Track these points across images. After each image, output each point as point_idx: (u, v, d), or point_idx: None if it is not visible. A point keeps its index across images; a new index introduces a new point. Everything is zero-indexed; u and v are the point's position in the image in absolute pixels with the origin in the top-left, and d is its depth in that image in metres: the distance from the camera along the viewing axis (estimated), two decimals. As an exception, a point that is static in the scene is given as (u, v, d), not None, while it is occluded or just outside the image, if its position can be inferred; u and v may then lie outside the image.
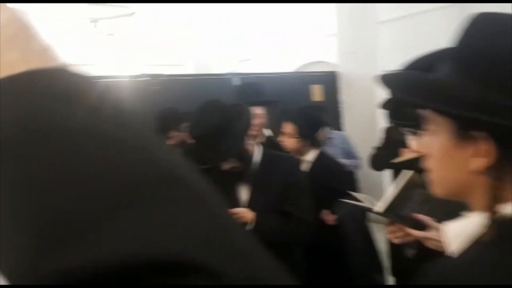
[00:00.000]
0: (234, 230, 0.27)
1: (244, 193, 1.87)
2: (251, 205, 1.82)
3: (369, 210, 1.50)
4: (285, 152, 2.36)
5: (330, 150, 3.41)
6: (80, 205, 0.24)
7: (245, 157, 1.81)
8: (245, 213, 1.76)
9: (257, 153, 1.89)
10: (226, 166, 1.78)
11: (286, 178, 1.83)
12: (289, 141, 2.45)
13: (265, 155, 1.89)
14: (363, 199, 1.75)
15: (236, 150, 1.73)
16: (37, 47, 0.30)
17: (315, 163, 2.43)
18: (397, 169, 3.13)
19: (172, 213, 0.25)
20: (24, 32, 0.30)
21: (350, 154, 3.51)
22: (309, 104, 4.24)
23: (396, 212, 1.34)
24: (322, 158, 2.47)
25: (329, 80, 5.07)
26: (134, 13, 6.75)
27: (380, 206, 1.38)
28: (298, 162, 1.97)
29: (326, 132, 3.51)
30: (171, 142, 2.90)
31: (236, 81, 4.08)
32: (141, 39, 8.13)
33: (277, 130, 3.50)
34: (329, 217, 2.22)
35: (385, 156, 3.05)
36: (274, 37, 7.59)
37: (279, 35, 7.48)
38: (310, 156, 2.46)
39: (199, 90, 3.71)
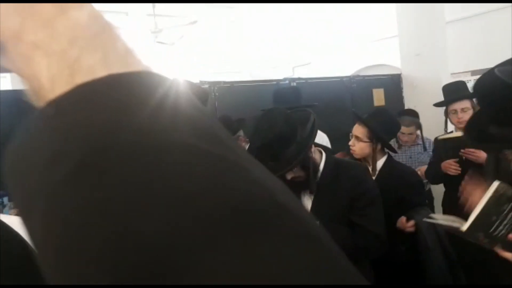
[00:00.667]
0: (349, 270, 0.22)
1: (308, 203, 1.80)
2: (315, 215, 1.74)
3: (455, 230, 1.36)
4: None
5: (422, 156, 3.35)
6: (180, 235, 0.19)
7: (310, 165, 1.74)
8: None
9: (322, 161, 1.81)
10: (290, 175, 1.72)
11: (354, 187, 1.74)
12: (358, 145, 2.29)
13: (331, 163, 1.81)
14: (446, 219, 1.62)
15: (301, 158, 1.66)
16: (120, 49, 0.25)
17: (384, 170, 2.27)
18: (450, 182, 2.93)
19: (288, 252, 0.20)
20: (106, 32, 0.25)
21: None
22: (383, 108, 4.12)
23: (485, 230, 1.20)
24: (391, 165, 2.30)
25: (391, 84, 4.87)
26: (196, 21, 6.90)
27: (466, 225, 1.25)
28: (367, 170, 1.86)
29: (416, 137, 3.50)
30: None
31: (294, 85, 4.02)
32: (200, 47, 8.30)
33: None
34: (407, 224, 2.05)
35: (439, 168, 2.88)
36: (333, 40, 7.46)
37: (339, 38, 7.33)
38: (379, 162, 2.30)
39: (257, 96, 3.69)
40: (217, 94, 3.56)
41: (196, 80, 3.46)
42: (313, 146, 1.79)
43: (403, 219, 2.04)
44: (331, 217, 1.71)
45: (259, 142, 1.69)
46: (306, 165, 1.72)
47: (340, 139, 3.54)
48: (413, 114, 3.76)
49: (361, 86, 4.67)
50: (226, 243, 0.19)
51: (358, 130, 2.31)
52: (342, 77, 4.71)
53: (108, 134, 0.21)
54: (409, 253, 2.07)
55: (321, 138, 3.84)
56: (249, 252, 0.19)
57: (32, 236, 0.22)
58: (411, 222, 2.02)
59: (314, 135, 1.72)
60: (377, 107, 4.46)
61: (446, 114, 3.10)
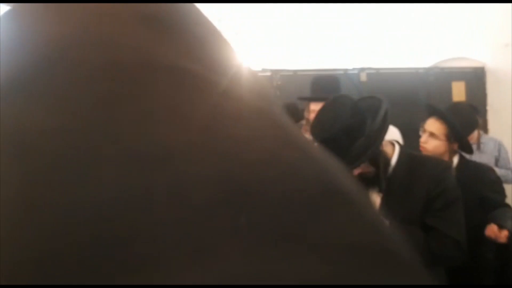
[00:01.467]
0: None
1: (376, 200, 1.57)
2: (383, 213, 1.50)
3: None
4: None
5: (480, 157, 2.96)
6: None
7: (380, 160, 1.50)
8: None
9: (395, 155, 1.57)
10: (357, 171, 1.50)
11: (432, 186, 1.49)
12: (433, 143, 2.04)
13: (405, 157, 1.56)
14: None
15: (370, 152, 1.43)
16: None
17: (459, 169, 2.01)
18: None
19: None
20: None
21: (502, 164, 3.01)
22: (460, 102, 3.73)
23: None
24: (466, 163, 2.06)
25: (474, 77, 4.41)
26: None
27: None
28: (449, 167, 1.59)
29: (477, 136, 3.04)
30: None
31: (363, 77, 3.73)
32: (265, 36, 8.18)
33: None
34: (499, 233, 1.75)
35: None
36: (410, 29, 6.99)
37: (416, 27, 6.86)
38: (454, 162, 2.05)
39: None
40: (279, 82, 3.38)
41: (257, 67, 3.31)
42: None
43: (494, 227, 1.74)
44: (402, 218, 1.48)
45: (322, 135, 1.48)
46: (376, 160, 1.49)
47: (411, 136, 3.22)
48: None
49: (439, 79, 4.27)
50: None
51: (434, 125, 2.06)
52: (417, 68, 4.33)
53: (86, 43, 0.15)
54: (496, 261, 1.78)
55: (393, 133, 3.52)
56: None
57: None
58: (505, 233, 1.71)
59: (386, 127, 1.48)
60: (456, 102, 4.04)
61: None
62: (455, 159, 2.05)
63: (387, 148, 1.57)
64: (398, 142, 1.63)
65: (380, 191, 1.56)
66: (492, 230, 1.77)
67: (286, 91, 3.38)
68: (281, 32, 8.53)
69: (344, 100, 1.52)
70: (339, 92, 2.88)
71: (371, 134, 1.45)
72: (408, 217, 1.49)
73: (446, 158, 2.02)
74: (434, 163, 1.58)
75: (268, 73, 3.36)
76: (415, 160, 1.57)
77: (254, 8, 6.94)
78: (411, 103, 3.85)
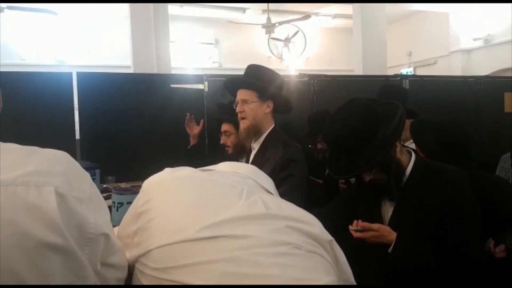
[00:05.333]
0: None
1: (389, 211, 1.53)
2: (394, 225, 1.47)
3: None
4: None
5: None
6: None
7: (392, 166, 1.46)
8: (385, 232, 1.42)
9: (411, 163, 1.52)
10: (368, 177, 1.47)
11: (448, 198, 1.41)
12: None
13: (421, 166, 1.51)
14: None
15: (380, 157, 1.40)
16: None
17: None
18: None
19: None
20: None
21: None
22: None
23: None
24: (478, 178, 1.68)
25: (530, 88, 4.14)
26: (310, 16, 6.78)
27: None
28: (466, 179, 1.50)
29: None
30: (319, 146, 2.69)
31: (406, 84, 3.62)
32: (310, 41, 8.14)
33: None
34: (496, 248, 1.60)
35: None
36: (461, 38, 6.70)
37: (468, 35, 6.56)
38: None
39: (361, 92, 3.38)
40: (316, 88, 3.35)
41: (295, 72, 3.31)
42: (399, 145, 1.51)
43: (490, 242, 1.62)
44: (414, 231, 1.43)
45: (332, 135, 1.47)
46: (388, 166, 1.45)
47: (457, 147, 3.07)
48: None
49: (490, 88, 4.05)
50: None
51: None
52: (466, 77, 4.13)
53: None
54: None
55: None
56: None
57: None
58: (501, 247, 1.59)
59: (399, 131, 1.44)
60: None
61: None
62: None
63: (402, 156, 1.53)
64: (415, 151, 1.58)
65: (391, 200, 1.52)
66: (487, 245, 1.62)
67: (322, 97, 3.36)
68: (320, 38, 8.45)
69: (357, 102, 1.49)
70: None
71: (383, 138, 1.42)
72: (420, 230, 1.43)
73: None
74: (451, 174, 1.50)
75: (306, 78, 3.35)
76: (432, 170, 1.51)
77: (296, 14, 6.93)
78: (456, 112, 3.69)
